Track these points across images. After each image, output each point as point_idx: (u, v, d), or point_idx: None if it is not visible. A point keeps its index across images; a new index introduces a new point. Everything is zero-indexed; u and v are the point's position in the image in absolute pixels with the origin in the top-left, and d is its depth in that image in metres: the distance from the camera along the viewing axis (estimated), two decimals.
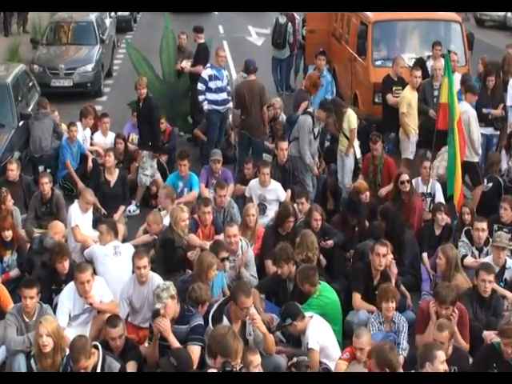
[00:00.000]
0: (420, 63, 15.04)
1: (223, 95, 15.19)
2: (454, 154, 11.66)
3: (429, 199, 12.35)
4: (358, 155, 13.52)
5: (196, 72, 15.96)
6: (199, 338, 8.13)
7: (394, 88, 14.36)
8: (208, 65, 15.35)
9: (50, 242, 10.49)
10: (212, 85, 15.03)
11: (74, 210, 11.79)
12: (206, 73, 15.11)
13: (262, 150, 14.53)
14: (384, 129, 14.09)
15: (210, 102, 15.00)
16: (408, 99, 13.60)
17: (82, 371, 7.72)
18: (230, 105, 15.41)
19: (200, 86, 15.11)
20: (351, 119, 13.40)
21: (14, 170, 12.60)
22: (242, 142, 14.70)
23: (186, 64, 16.56)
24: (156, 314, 8.52)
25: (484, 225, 10.58)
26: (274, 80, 20.69)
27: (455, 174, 11.60)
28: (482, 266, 9.50)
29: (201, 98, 15.10)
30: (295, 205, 11.69)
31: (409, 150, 13.75)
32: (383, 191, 12.80)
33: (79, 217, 11.75)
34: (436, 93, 13.57)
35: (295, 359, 7.95)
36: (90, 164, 14.43)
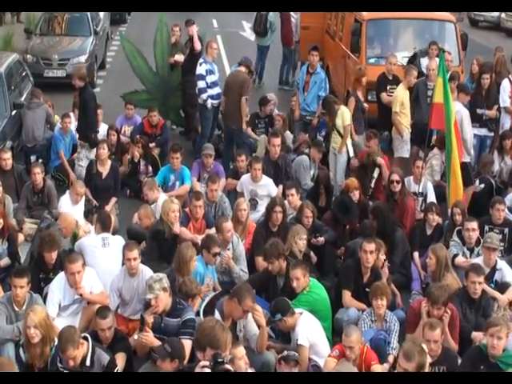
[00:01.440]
0: (413, 59, 15.05)
1: (217, 89, 15.18)
2: (450, 155, 11.60)
3: (421, 199, 12.32)
4: (351, 153, 13.47)
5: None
6: (191, 332, 8.07)
7: (388, 87, 14.35)
8: (201, 60, 15.27)
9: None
10: (208, 79, 15.00)
11: (65, 201, 11.82)
12: (202, 69, 15.03)
13: (241, 138, 14.55)
14: (378, 127, 14.08)
15: (209, 96, 15.00)
16: (401, 98, 13.59)
17: (71, 362, 7.67)
18: (223, 99, 15.38)
19: (201, 84, 15.01)
20: (345, 116, 13.36)
21: (7, 159, 12.55)
22: (225, 136, 14.82)
23: (178, 57, 16.51)
24: (147, 305, 8.48)
25: (474, 224, 10.56)
26: (255, 68, 20.60)
27: (453, 177, 11.55)
28: (471, 267, 9.45)
29: (204, 96, 15.00)
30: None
31: (404, 149, 13.72)
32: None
33: (69, 208, 11.72)
34: (430, 93, 13.54)
35: (285, 352, 7.95)
36: (74, 157, 14.40)
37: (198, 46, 16.00)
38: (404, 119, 13.63)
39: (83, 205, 11.99)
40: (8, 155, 12.61)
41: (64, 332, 7.76)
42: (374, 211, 11.09)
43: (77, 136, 14.39)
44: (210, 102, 15.02)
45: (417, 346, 7.35)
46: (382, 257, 10.00)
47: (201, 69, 15.04)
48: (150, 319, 8.30)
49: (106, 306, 8.84)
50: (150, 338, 8.27)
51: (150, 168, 14.16)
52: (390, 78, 14.45)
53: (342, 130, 13.33)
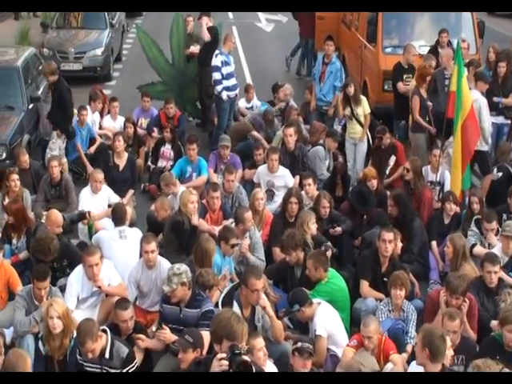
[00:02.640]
0: (433, 51, 14.94)
1: (233, 80, 15.18)
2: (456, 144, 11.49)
3: (438, 188, 12.25)
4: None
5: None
6: (210, 324, 8.05)
7: (404, 76, 14.27)
8: (217, 51, 15.26)
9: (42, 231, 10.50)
10: (223, 71, 14.98)
11: (84, 194, 11.85)
12: (218, 60, 15.03)
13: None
14: (395, 116, 14.00)
15: (224, 88, 14.98)
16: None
17: (90, 355, 7.69)
18: (238, 90, 15.37)
19: (216, 76, 15.01)
20: (365, 105, 13.33)
21: (26, 162, 12.61)
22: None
23: (194, 49, 16.48)
24: (165, 297, 8.50)
25: (493, 225, 10.52)
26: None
27: (456, 164, 11.44)
28: (486, 256, 9.41)
29: (219, 87, 15.02)
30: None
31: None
32: (389, 180, 12.74)
33: (89, 200, 11.74)
34: (447, 82, 13.43)
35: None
36: (92, 150, 14.43)
37: (205, 36, 15.96)
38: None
39: (105, 197, 11.92)
40: (26, 157, 12.69)
41: (82, 325, 7.77)
42: (395, 198, 11.02)
43: (51, 126, 14.19)
44: (225, 94, 15.00)
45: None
46: (400, 244, 9.97)
47: (216, 60, 15.03)
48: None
49: (125, 298, 8.85)
50: (168, 335, 8.28)
51: (172, 154, 14.15)
52: (406, 67, 14.36)
53: (363, 119, 13.27)
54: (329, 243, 10.43)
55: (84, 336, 7.64)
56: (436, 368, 6.94)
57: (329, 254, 10.14)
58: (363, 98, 13.48)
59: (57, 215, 10.55)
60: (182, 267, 8.45)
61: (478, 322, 8.85)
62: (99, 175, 12.00)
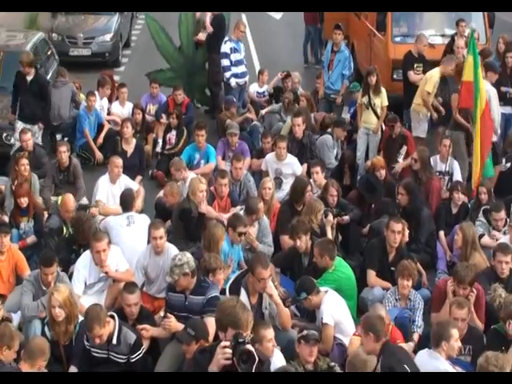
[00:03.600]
0: (451, 42, 14.85)
1: (242, 68, 15.17)
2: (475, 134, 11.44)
3: (447, 177, 12.20)
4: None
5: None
6: (215, 310, 8.05)
7: (415, 65, 14.21)
8: (226, 38, 15.23)
9: (56, 224, 10.58)
10: (232, 58, 14.96)
11: (102, 183, 11.69)
12: (227, 47, 15.06)
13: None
14: (404, 105, 13.94)
15: (232, 75, 14.96)
16: (435, 80, 13.39)
17: (97, 340, 7.69)
18: (247, 78, 15.33)
19: (225, 62, 15.06)
20: (384, 97, 13.26)
21: (28, 140, 12.55)
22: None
23: (201, 35, 16.42)
24: (170, 286, 8.50)
25: (502, 214, 10.49)
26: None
27: (475, 154, 11.42)
28: (498, 247, 9.40)
29: (227, 74, 15.08)
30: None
31: (421, 128, 13.58)
32: (398, 168, 12.69)
33: (105, 189, 11.62)
34: None
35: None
36: (100, 139, 14.39)
37: (209, 28, 15.92)
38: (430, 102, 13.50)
39: (121, 187, 11.73)
40: (29, 135, 12.63)
41: (90, 310, 7.77)
42: (406, 187, 10.97)
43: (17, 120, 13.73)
44: (233, 80, 15.00)
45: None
46: (406, 233, 9.96)
47: (225, 47, 15.03)
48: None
49: (134, 282, 8.83)
50: (173, 324, 8.26)
51: (176, 139, 14.15)
52: (417, 56, 14.30)
53: (379, 111, 13.24)
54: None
55: (92, 322, 7.63)
56: (380, 345, 7.13)
57: (330, 218, 10.27)
58: (383, 90, 13.32)
59: (68, 200, 10.62)
60: (184, 258, 8.36)
61: (485, 312, 8.81)
62: (118, 160, 11.79)
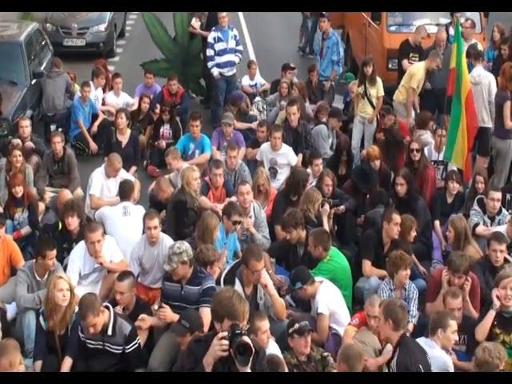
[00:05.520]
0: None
1: (227, 57, 15.04)
2: (457, 119, 11.31)
3: (441, 167, 12.15)
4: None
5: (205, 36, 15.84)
6: (211, 301, 8.02)
7: (410, 54, 14.18)
8: (214, 27, 15.19)
9: (52, 220, 10.57)
10: (216, 47, 14.93)
11: (97, 176, 11.53)
12: (211, 36, 15.09)
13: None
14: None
15: (215, 64, 14.93)
16: (420, 75, 13.37)
17: (91, 329, 7.65)
18: (235, 68, 15.25)
19: (208, 52, 15.03)
20: (380, 87, 13.22)
21: (25, 127, 12.50)
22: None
23: (194, 23, 16.29)
24: (167, 275, 8.47)
25: (499, 195, 10.44)
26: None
27: (459, 141, 11.28)
28: (493, 236, 9.39)
29: (210, 64, 15.08)
30: (309, 168, 11.62)
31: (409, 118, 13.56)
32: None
33: (100, 183, 11.47)
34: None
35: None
36: (94, 128, 14.33)
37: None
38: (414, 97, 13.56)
39: (117, 180, 11.57)
40: (27, 123, 12.57)
41: (84, 299, 7.74)
42: (405, 176, 10.90)
43: None
44: (216, 71, 14.97)
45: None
46: (414, 233, 9.93)
47: (209, 37, 15.09)
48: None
49: (128, 271, 8.78)
50: (168, 314, 8.23)
51: (171, 133, 14.09)
52: (414, 46, 14.29)
53: (375, 101, 13.19)
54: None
55: (86, 310, 7.60)
56: (398, 336, 7.08)
57: (327, 207, 10.26)
58: (379, 80, 13.27)
59: (66, 196, 10.68)
60: (183, 246, 8.37)
61: (480, 301, 8.81)
62: (119, 165, 11.47)
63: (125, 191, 10.64)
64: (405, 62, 14.16)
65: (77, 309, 8.04)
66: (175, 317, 8.05)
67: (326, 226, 10.23)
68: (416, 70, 13.47)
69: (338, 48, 15.71)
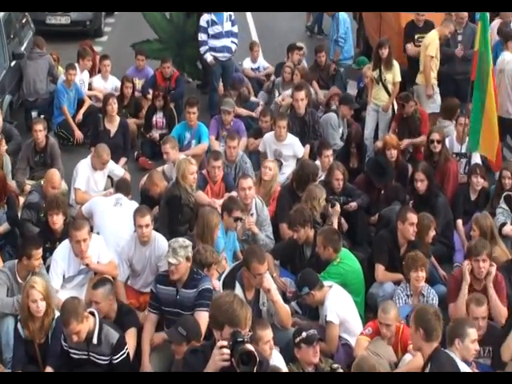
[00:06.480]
0: None
1: (224, 41, 15.01)
2: (480, 108, 11.26)
3: (464, 160, 12.11)
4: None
5: None
6: (208, 304, 7.98)
7: (416, 36, 14.13)
8: None
9: (35, 199, 10.53)
10: (210, 31, 14.91)
11: (82, 168, 11.52)
12: (203, 19, 15.11)
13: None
14: (408, 81, 13.88)
15: (209, 49, 14.90)
16: (437, 44, 13.34)
17: (75, 338, 7.59)
18: (232, 53, 15.24)
19: (200, 37, 15.04)
20: (397, 71, 13.18)
21: None
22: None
23: None
24: (159, 277, 8.44)
25: None
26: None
27: (487, 129, 11.23)
28: None
29: (202, 49, 15.09)
30: (317, 161, 11.61)
31: (436, 103, 13.50)
32: (405, 143, 12.60)
33: (86, 176, 11.47)
34: (460, 37, 13.68)
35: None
36: (80, 115, 14.32)
37: None
38: (434, 69, 13.47)
39: (105, 176, 11.67)
40: None
41: (67, 304, 7.67)
42: (425, 171, 10.85)
43: None
44: (209, 55, 14.96)
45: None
46: (432, 233, 9.89)
47: (202, 20, 15.08)
48: None
49: (106, 278, 8.72)
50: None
51: (165, 122, 14.07)
52: (420, 25, 14.22)
53: (390, 87, 13.15)
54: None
55: (68, 315, 7.53)
56: (431, 348, 6.89)
57: (338, 208, 10.22)
58: (395, 64, 13.25)
59: (54, 174, 10.68)
60: (187, 241, 8.40)
61: (508, 309, 8.79)
62: (107, 157, 11.53)
63: (121, 187, 10.72)
64: (408, 47, 14.13)
65: (57, 314, 8.03)
66: None
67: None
68: (431, 39, 13.44)
69: (338, 25, 15.82)
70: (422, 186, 10.78)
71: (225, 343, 6.08)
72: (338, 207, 10.32)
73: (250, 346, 6.04)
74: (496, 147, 11.31)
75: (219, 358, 6.04)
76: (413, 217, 9.62)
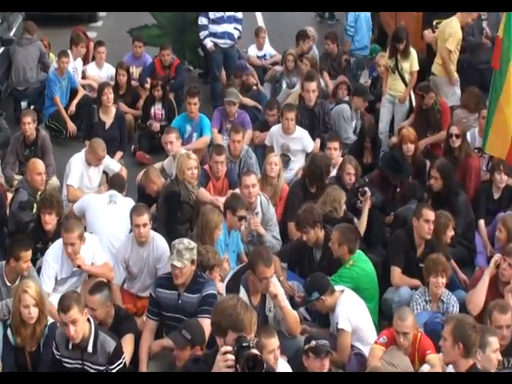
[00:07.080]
0: None
1: (225, 27, 14.96)
2: (496, 99, 11.18)
3: (487, 156, 12.07)
4: (413, 103, 13.20)
5: None
6: (211, 310, 7.97)
7: (435, 21, 14.07)
8: None
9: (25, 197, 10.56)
10: (211, 15, 14.89)
11: (75, 163, 11.51)
12: None
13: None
14: (426, 68, 13.83)
15: (210, 34, 14.88)
16: (459, 36, 13.27)
17: (72, 332, 7.46)
18: (235, 40, 15.22)
19: (201, 21, 15.01)
20: (415, 60, 13.14)
21: None
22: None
23: None
24: (160, 281, 8.41)
25: None
26: None
27: (499, 124, 11.13)
28: None
29: (202, 34, 15.07)
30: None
31: (456, 95, 13.45)
32: (423, 143, 12.54)
33: (79, 172, 11.47)
34: (484, 24, 13.71)
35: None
36: (73, 106, 14.31)
37: None
38: (454, 62, 13.39)
39: (101, 172, 11.67)
40: None
41: (68, 293, 7.74)
42: (441, 169, 10.81)
43: None
44: (209, 41, 14.92)
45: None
46: (451, 233, 9.85)
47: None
48: None
49: (104, 283, 8.73)
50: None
51: (164, 113, 14.06)
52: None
53: (407, 76, 13.12)
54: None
55: (70, 300, 7.49)
56: (468, 364, 6.84)
57: (368, 195, 10.44)
58: (413, 52, 13.20)
59: (35, 162, 10.76)
60: (192, 242, 8.41)
61: None
62: (103, 153, 11.53)
63: (116, 183, 10.75)
64: (426, 34, 14.06)
65: (50, 321, 8.06)
66: None
67: (365, 223, 10.33)
68: (453, 30, 13.28)
69: (347, 12, 15.94)
70: (435, 184, 10.75)
71: (229, 348, 6.07)
72: (368, 194, 10.35)
73: (256, 351, 6.02)
74: (509, 144, 11.22)
75: (223, 365, 6.02)
76: (429, 213, 9.58)
